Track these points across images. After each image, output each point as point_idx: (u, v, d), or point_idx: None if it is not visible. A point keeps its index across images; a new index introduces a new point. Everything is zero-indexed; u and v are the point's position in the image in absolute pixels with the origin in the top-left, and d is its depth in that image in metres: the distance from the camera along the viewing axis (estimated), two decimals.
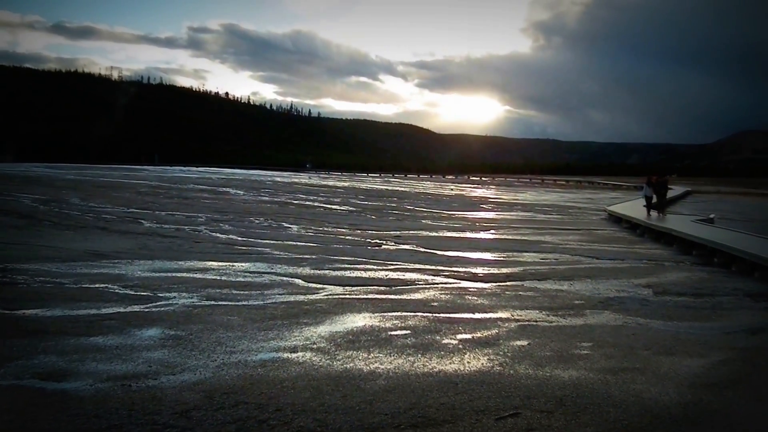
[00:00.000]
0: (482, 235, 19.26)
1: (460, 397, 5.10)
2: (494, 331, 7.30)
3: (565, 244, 17.25)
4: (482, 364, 6.00)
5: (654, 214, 23.23)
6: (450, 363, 5.99)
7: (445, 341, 6.77)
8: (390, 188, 50.60)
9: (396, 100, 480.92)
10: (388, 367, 5.77)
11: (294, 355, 6.04)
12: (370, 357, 6.07)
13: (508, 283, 10.79)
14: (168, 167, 73.55)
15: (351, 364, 5.83)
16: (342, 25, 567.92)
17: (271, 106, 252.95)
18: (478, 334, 7.13)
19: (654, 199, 24.32)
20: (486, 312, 8.38)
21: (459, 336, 7.02)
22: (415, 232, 19.11)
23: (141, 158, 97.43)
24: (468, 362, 6.03)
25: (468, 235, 19.08)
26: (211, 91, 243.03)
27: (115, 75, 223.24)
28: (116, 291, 8.84)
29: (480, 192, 53.90)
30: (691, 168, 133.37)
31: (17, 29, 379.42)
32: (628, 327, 7.87)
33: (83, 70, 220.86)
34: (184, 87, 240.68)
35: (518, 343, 6.84)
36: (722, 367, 6.35)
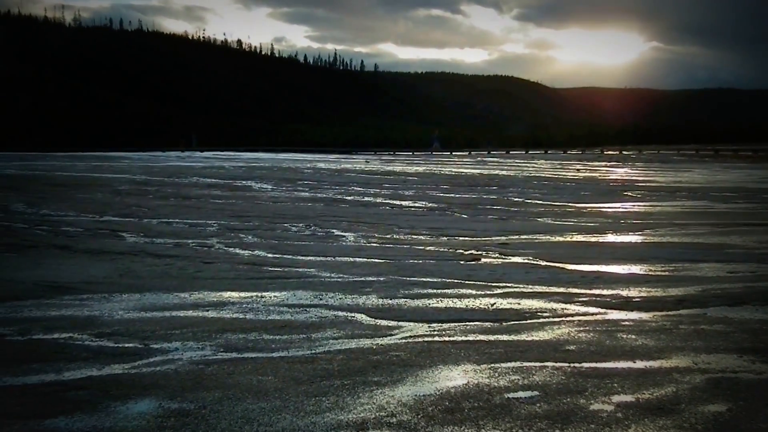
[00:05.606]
0: (632, 237, 18.92)
1: None
2: (670, 390, 6.88)
3: (765, 248, 16.68)
4: None
5: None
6: None
7: (595, 407, 6.39)
8: (486, 172, 50.30)
9: (487, 42, 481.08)
10: None
11: None
12: None
13: (681, 312, 10.34)
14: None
15: None
16: None
17: (305, 58, 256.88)
18: (646, 395, 6.72)
19: None
20: (653, 359, 7.96)
21: (615, 398, 6.63)
22: (530, 236, 18.83)
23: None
24: None
25: (610, 238, 18.78)
26: (215, 39, 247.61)
27: (68, 18, 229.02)
28: (86, 343, 8.64)
29: (621, 172, 53.16)
30: None
31: None
32: None
33: (18, 12, 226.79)
34: (175, 34, 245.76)
35: (711, 408, 6.38)
36: None
